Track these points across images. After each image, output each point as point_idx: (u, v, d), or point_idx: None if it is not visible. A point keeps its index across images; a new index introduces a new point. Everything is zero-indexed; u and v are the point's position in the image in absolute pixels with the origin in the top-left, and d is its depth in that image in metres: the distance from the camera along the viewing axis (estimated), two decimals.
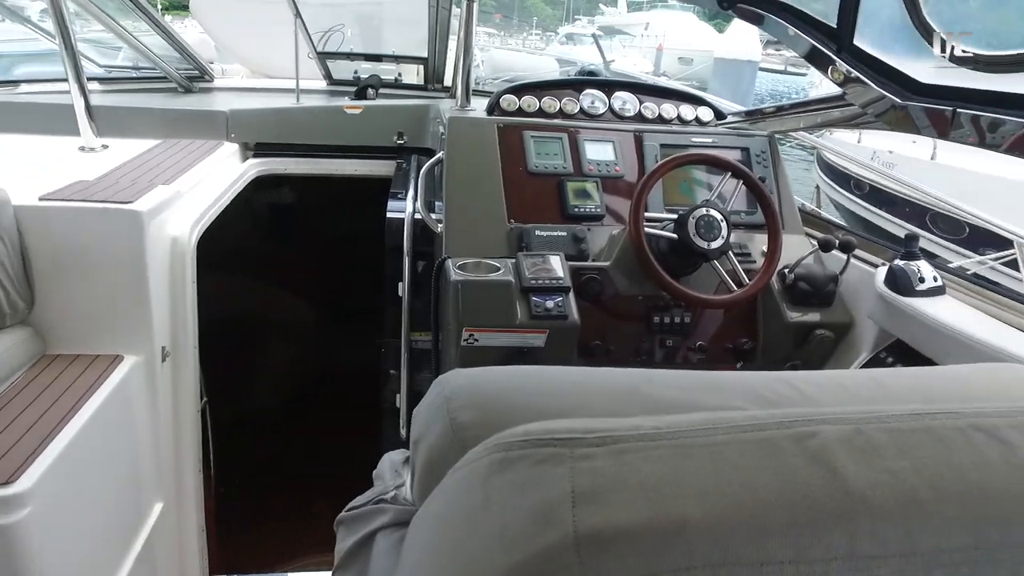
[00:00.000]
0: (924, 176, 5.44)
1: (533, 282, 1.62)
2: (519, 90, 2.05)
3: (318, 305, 3.10)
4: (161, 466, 1.64)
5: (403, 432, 1.93)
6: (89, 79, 2.20)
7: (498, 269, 1.64)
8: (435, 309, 1.75)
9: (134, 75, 2.83)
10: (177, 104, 2.49)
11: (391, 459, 0.88)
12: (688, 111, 2.13)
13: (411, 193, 2.01)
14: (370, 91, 2.57)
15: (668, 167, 1.69)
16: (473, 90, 2.10)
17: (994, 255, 4.19)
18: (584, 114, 2.06)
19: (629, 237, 1.66)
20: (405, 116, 2.45)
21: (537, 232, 1.78)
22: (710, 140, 2.00)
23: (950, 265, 1.77)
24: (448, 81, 2.76)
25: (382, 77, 2.76)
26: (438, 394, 0.64)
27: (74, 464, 1.24)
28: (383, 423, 1.99)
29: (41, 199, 1.47)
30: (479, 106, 2.07)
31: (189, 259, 1.66)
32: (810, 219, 2.07)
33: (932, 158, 6.43)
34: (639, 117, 2.09)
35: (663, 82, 4.05)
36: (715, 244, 1.63)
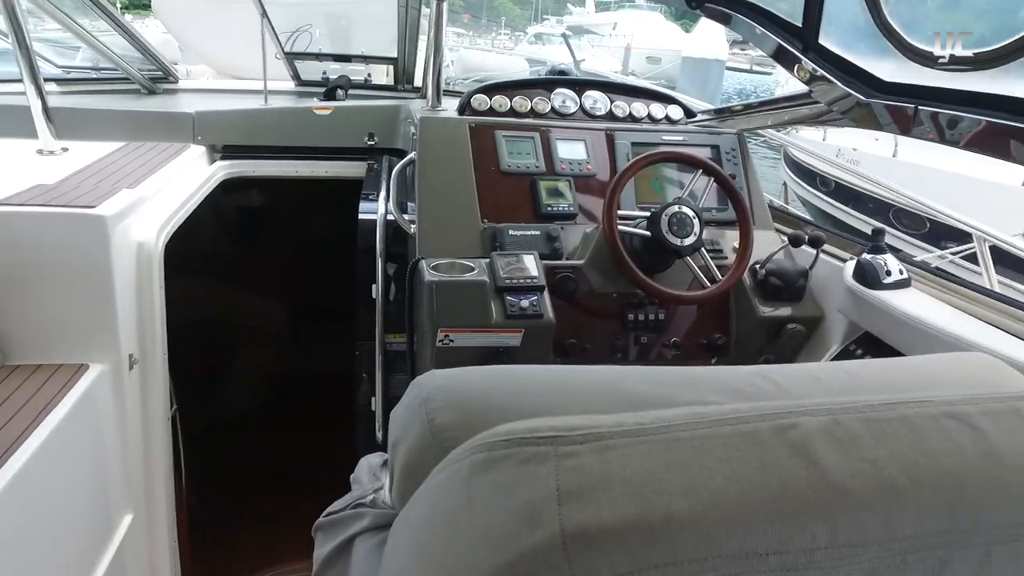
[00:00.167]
0: (885, 172, 5.58)
1: (507, 281, 1.62)
2: (490, 90, 2.04)
3: (290, 308, 3.06)
4: (130, 477, 1.60)
5: (379, 435, 1.91)
6: (46, 80, 2.13)
7: (472, 269, 1.63)
8: (409, 310, 1.74)
9: (94, 76, 2.75)
10: (140, 106, 2.43)
11: (369, 462, 0.87)
12: (658, 110, 2.15)
13: (383, 194, 1.99)
14: (339, 92, 2.54)
15: (640, 165, 1.70)
16: (444, 90, 2.09)
17: (954, 249, 4.30)
18: (555, 113, 2.06)
19: (603, 235, 1.66)
20: (376, 117, 2.43)
21: (511, 232, 1.77)
22: (681, 138, 2.02)
23: (915, 259, 1.81)
24: (418, 81, 2.75)
25: (351, 78, 2.73)
26: (415, 396, 0.63)
27: (37, 479, 1.20)
28: (359, 426, 1.97)
29: None
30: (450, 106, 2.06)
31: (156, 264, 1.62)
32: (779, 215, 2.10)
33: (894, 155, 6.60)
34: (610, 116, 2.10)
35: (633, 81, 4.09)
36: (688, 241, 1.65)
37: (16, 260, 1.42)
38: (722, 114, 2.18)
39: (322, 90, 2.58)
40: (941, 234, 5.33)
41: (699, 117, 2.18)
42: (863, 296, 1.59)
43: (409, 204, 1.92)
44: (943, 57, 1.42)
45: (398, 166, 1.95)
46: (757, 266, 1.79)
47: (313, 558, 0.77)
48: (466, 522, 0.42)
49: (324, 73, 2.81)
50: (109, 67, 2.62)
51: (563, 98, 2.09)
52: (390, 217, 1.89)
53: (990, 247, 3.60)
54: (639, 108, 2.13)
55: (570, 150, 1.96)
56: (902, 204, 5.83)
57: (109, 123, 2.25)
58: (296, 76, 2.83)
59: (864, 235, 1.79)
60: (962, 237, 4.18)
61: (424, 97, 2.40)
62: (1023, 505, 0.47)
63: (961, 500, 0.45)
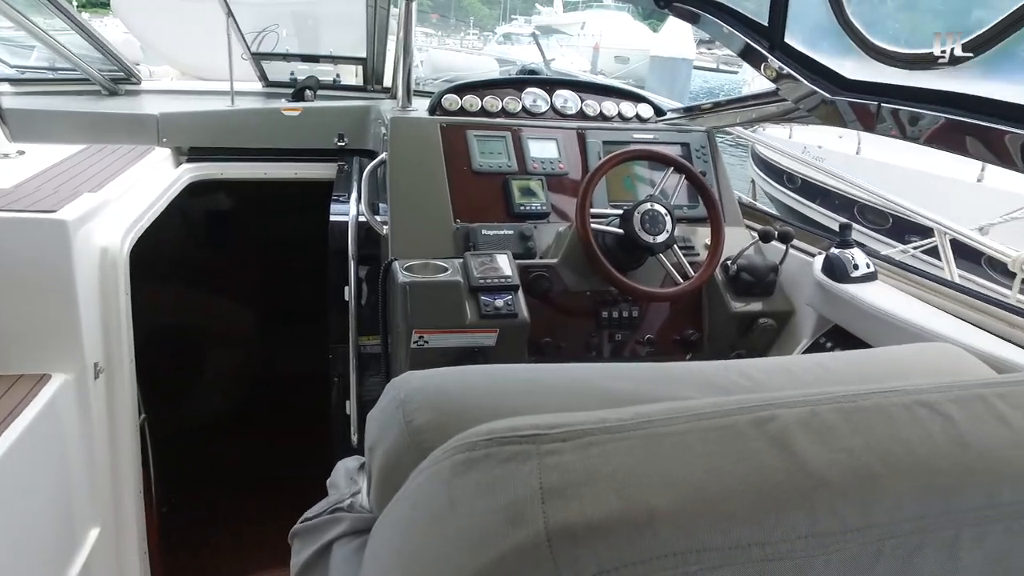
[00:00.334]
0: (849, 169, 5.70)
1: (482, 281, 1.61)
2: (461, 89, 2.04)
3: (259, 311, 3.01)
4: (97, 489, 1.56)
5: (354, 438, 1.89)
6: None
7: (446, 270, 1.63)
8: (383, 312, 1.73)
9: (51, 76, 2.67)
10: (101, 107, 2.37)
11: (345, 466, 0.86)
12: (628, 108, 2.16)
13: (354, 195, 1.97)
14: (308, 92, 2.51)
15: (612, 163, 1.71)
16: (414, 90, 2.08)
17: (916, 243, 4.41)
18: (526, 113, 2.06)
19: (576, 233, 1.67)
20: (345, 117, 2.40)
21: (484, 231, 1.77)
22: (651, 136, 2.04)
23: (880, 253, 1.86)
24: (388, 82, 2.73)
25: (320, 78, 2.70)
26: (392, 398, 0.63)
27: None
28: (333, 430, 1.95)
29: None
30: (420, 106, 2.05)
31: (121, 270, 1.58)
32: (749, 212, 2.13)
33: (857, 152, 6.75)
34: (581, 115, 2.11)
35: (603, 80, 4.12)
36: (660, 238, 1.66)
37: None
38: (691, 112, 2.21)
39: (290, 91, 2.54)
40: (903, 229, 5.46)
41: (669, 115, 2.20)
42: (832, 290, 1.62)
43: (381, 205, 1.91)
44: (903, 55, 1.45)
45: (369, 167, 1.94)
46: (728, 262, 1.81)
47: (291, 565, 0.76)
48: (449, 523, 0.42)
49: (292, 74, 2.78)
50: (67, 67, 2.54)
51: (534, 97, 2.09)
52: (362, 219, 1.87)
53: (950, 240, 3.70)
54: (609, 107, 2.14)
55: (542, 149, 1.96)
56: (866, 200, 5.97)
57: (68, 125, 2.19)
58: (263, 77, 2.79)
59: (830, 230, 1.82)
60: (924, 232, 4.29)
61: (394, 97, 2.38)
62: (988, 489, 0.48)
63: (933, 486, 0.47)
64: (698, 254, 1.87)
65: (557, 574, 0.37)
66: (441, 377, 0.64)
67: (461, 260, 1.66)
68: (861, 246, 1.71)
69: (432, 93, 2.10)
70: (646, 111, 2.18)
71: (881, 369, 0.72)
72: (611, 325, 1.80)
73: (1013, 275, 3.28)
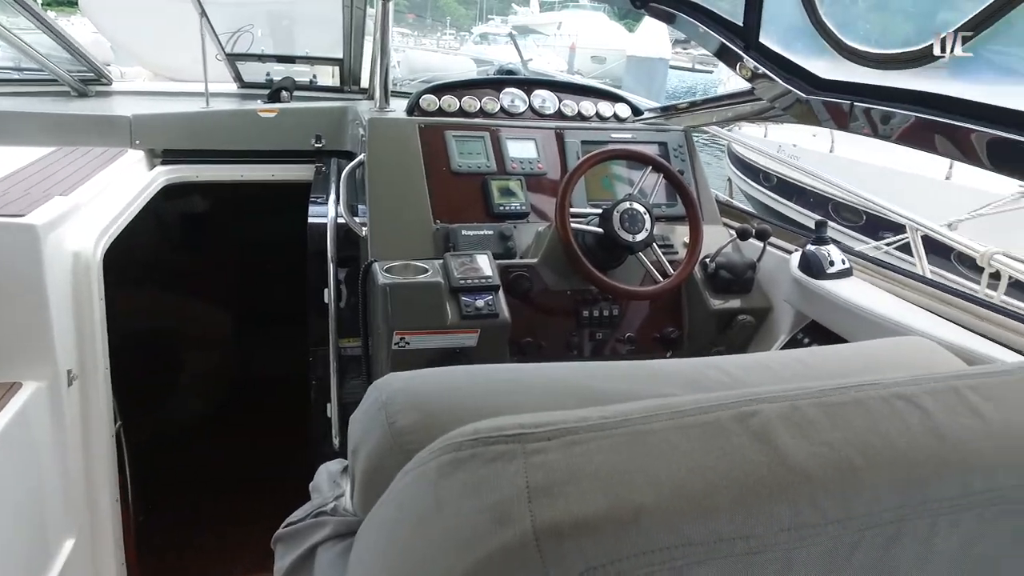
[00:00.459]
0: (823, 167, 5.78)
1: (462, 282, 1.61)
2: (439, 90, 2.03)
3: (235, 314, 2.98)
4: (71, 499, 1.53)
5: (336, 441, 1.88)
6: None
7: (426, 270, 1.62)
8: (363, 314, 1.72)
9: (16, 76, 2.61)
10: (71, 109, 2.32)
11: (328, 470, 0.86)
12: (606, 108, 2.17)
13: (333, 197, 1.95)
14: (284, 94, 2.48)
15: (591, 163, 1.72)
16: (391, 91, 2.07)
17: (889, 240, 4.49)
18: (505, 113, 2.06)
19: (556, 233, 1.67)
20: (322, 119, 2.38)
21: (463, 232, 1.77)
22: (629, 136, 2.05)
23: (856, 249, 1.89)
24: (365, 83, 2.71)
25: (296, 79, 2.67)
26: (374, 400, 0.62)
27: None
28: (315, 433, 1.93)
29: None
30: (398, 107, 2.04)
31: (95, 275, 1.55)
32: (727, 210, 2.16)
33: (831, 151, 6.86)
34: (559, 115, 2.11)
35: (581, 80, 4.13)
36: (639, 236, 1.67)
37: None
38: (668, 112, 2.23)
39: (266, 92, 2.51)
40: (877, 226, 5.55)
41: (646, 115, 2.22)
42: (808, 286, 1.65)
43: (360, 207, 1.89)
44: (875, 55, 1.48)
45: (347, 168, 1.92)
46: (707, 260, 1.83)
47: (274, 571, 0.75)
48: (436, 524, 0.42)
49: (268, 75, 2.75)
50: (33, 67, 2.49)
51: (512, 97, 2.09)
52: (340, 220, 1.86)
53: (922, 237, 3.77)
54: (587, 107, 2.15)
55: (520, 149, 1.96)
56: (839, 197, 6.06)
57: (36, 127, 2.14)
58: (238, 78, 2.76)
59: (806, 228, 1.85)
60: (896, 228, 4.37)
61: (371, 98, 2.37)
62: (963, 479, 0.49)
63: (911, 478, 0.48)
64: (677, 252, 1.88)
65: (545, 572, 0.37)
66: (423, 378, 0.64)
67: (441, 261, 1.66)
68: (836, 243, 1.74)
69: (409, 94, 2.09)
70: (624, 111, 2.19)
71: (858, 363, 0.74)
72: (592, 324, 1.81)
73: (981, 269, 3.35)
